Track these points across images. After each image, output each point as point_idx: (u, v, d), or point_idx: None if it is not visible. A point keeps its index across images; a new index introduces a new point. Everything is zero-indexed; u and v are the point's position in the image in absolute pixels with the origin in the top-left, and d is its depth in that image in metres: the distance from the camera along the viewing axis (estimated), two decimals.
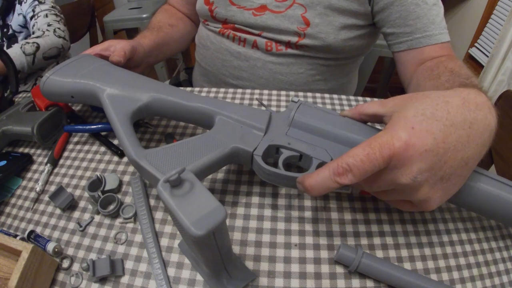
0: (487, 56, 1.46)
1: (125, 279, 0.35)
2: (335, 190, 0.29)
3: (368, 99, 0.58)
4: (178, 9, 0.81)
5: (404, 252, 0.37)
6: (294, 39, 0.61)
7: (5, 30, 0.98)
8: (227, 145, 0.36)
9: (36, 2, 0.98)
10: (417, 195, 0.29)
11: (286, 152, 0.36)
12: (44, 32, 0.94)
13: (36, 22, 0.97)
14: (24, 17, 0.99)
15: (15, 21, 0.98)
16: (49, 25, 0.97)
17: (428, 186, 0.28)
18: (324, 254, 0.36)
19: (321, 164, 0.34)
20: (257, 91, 0.59)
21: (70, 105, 0.58)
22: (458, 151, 0.27)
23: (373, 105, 0.35)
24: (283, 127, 0.38)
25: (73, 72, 0.46)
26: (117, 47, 0.53)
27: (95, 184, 0.42)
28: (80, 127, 0.51)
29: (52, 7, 1.02)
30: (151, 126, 0.52)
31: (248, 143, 0.36)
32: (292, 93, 0.59)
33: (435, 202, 0.30)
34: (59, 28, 0.98)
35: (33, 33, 0.97)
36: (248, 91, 0.59)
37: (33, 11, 0.98)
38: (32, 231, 0.39)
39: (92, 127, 0.50)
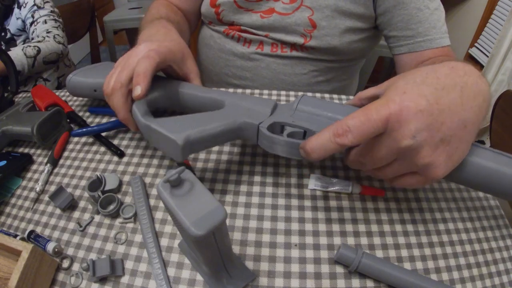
0: (487, 56, 1.46)
1: (125, 279, 0.35)
2: (338, 153, 0.29)
3: None
4: (177, 6, 0.75)
5: (404, 252, 0.37)
6: (300, 40, 0.61)
7: (2, 34, 0.98)
8: (236, 120, 0.38)
9: (35, 7, 0.98)
10: (420, 159, 0.28)
11: (290, 129, 0.37)
12: (44, 38, 0.94)
13: (36, 28, 0.97)
14: (23, 21, 0.99)
15: (13, 25, 0.98)
16: (48, 32, 0.96)
17: (429, 148, 0.28)
18: (324, 254, 0.36)
19: None
20: (257, 91, 0.59)
21: (70, 105, 0.59)
22: (454, 112, 0.28)
23: (370, 89, 0.37)
24: (288, 112, 0.40)
25: (96, 74, 0.52)
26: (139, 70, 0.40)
27: (95, 184, 0.42)
28: (89, 129, 0.50)
29: (51, 11, 1.01)
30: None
31: (255, 119, 0.38)
32: (292, 93, 0.59)
33: (440, 168, 0.29)
34: (58, 35, 0.98)
35: (32, 39, 0.97)
36: (249, 91, 0.59)
37: (33, 16, 0.97)
38: (32, 231, 0.39)
39: (101, 127, 0.50)
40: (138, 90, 0.38)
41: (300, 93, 0.58)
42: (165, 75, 0.50)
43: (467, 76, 0.29)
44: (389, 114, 0.27)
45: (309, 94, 0.58)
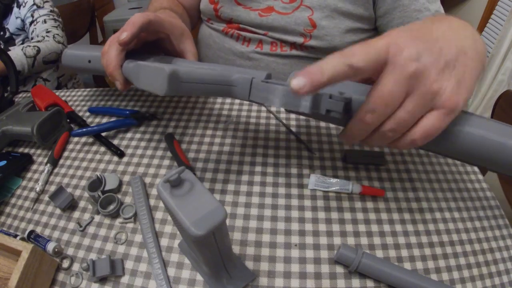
0: (487, 56, 1.46)
1: (125, 279, 0.35)
2: (344, 78, 0.28)
3: None
4: (178, 0, 0.75)
5: (404, 252, 0.37)
6: (300, 40, 0.61)
7: (1, 33, 0.97)
8: (230, 74, 0.36)
9: (35, 7, 0.98)
10: (430, 86, 0.27)
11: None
12: (44, 37, 0.94)
13: (35, 28, 0.96)
14: (23, 20, 0.98)
15: (13, 24, 0.98)
16: (47, 31, 0.96)
17: (436, 71, 0.28)
18: (324, 254, 0.36)
19: (319, 96, 0.32)
20: None
21: (70, 105, 0.59)
22: (449, 40, 0.29)
23: None
24: (283, 81, 0.38)
25: (91, 49, 0.54)
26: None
27: (95, 184, 0.42)
28: (89, 129, 0.51)
29: (51, 11, 1.01)
30: (158, 117, 0.53)
31: (249, 75, 0.36)
32: None
33: (454, 93, 0.28)
34: (57, 34, 0.98)
35: (32, 39, 0.97)
36: None
37: (32, 16, 0.97)
38: (32, 231, 0.39)
39: (101, 127, 0.50)
40: (123, 35, 0.40)
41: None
42: (164, 53, 0.50)
43: (449, 18, 0.32)
44: (388, 42, 0.28)
45: None
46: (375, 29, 0.63)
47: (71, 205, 0.42)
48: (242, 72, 0.38)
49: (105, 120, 0.56)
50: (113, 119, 0.55)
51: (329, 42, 0.60)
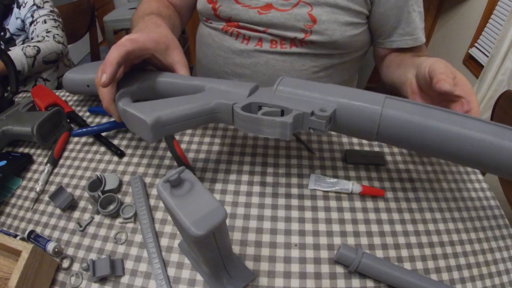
0: (487, 56, 1.46)
1: (125, 279, 0.35)
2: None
3: None
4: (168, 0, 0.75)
5: (404, 252, 0.37)
6: (300, 35, 0.61)
7: (2, 33, 0.97)
8: (210, 101, 0.38)
9: (35, 7, 0.98)
10: None
11: (267, 108, 0.37)
12: (44, 37, 0.94)
13: (35, 28, 0.96)
14: (23, 21, 0.98)
15: (13, 24, 0.98)
16: (48, 31, 0.96)
17: None
18: (324, 254, 0.36)
19: (300, 115, 0.35)
20: None
21: (70, 105, 0.58)
22: None
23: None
24: (268, 94, 0.39)
25: (89, 70, 0.55)
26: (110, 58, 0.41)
27: (95, 184, 0.42)
28: (89, 129, 0.51)
29: (51, 11, 1.01)
30: None
31: (230, 100, 0.38)
32: None
33: None
34: (57, 34, 0.98)
35: (32, 39, 0.97)
36: None
37: (32, 16, 0.97)
38: (32, 231, 0.39)
39: (101, 127, 0.50)
40: (103, 78, 0.39)
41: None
42: (154, 68, 0.50)
43: None
44: None
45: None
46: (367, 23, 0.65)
47: (71, 205, 0.42)
48: (224, 94, 0.39)
49: (105, 120, 0.56)
50: (113, 119, 0.55)
51: (329, 36, 0.60)
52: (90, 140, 0.52)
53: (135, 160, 0.48)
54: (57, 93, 0.60)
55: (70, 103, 0.60)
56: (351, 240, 0.38)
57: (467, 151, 0.31)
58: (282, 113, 0.36)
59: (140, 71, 0.46)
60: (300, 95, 0.37)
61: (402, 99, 0.35)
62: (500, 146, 0.30)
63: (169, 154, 0.48)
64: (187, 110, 0.36)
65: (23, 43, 0.99)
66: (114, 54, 0.40)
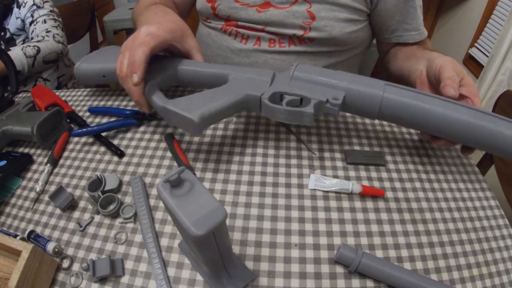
0: (487, 56, 1.46)
1: (125, 279, 0.35)
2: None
3: None
4: None
5: (404, 252, 0.37)
6: (299, 32, 0.61)
7: (2, 33, 0.97)
8: (240, 93, 0.42)
9: (35, 7, 0.98)
10: None
11: (288, 97, 0.42)
12: (44, 37, 0.94)
13: (35, 28, 0.96)
14: (23, 21, 0.98)
15: (13, 24, 0.98)
16: (47, 31, 0.96)
17: None
18: (324, 254, 0.36)
19: (317, 103, 0.40)
20: None
21: (70, 105, 0.58)
22: None
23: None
24: (286, 81, 0.44)
25: (103, 59, 0.55)
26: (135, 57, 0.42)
27: (95, 184, 0.42)
28: (89, 129, 0.51)
29: (51, 11, 1.01)
30: (158, 117, 0.54)
31: (257, 91, 0.42)
32: None
33: None
34: (57, 34, 0.98)
35: (32, 39, 0.97)
36: None
37: (32, 16, 0.97)
38: (32, 231, 0.39)
39: (101, 127, 0.50)
40: (135, 78, 0.42)
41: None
42: (169, 54, 0.52)
43: None
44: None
45: None
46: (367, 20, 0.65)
47: (71, 205, 0.42)
48: (250, 83, 0.44)
49: (105, 120, 0.56)
50: (113, 119, 0.55)
51: (328, 32, 0.60)
52: (90, 140, 0.52)
53: (135, 160, 0.48)
54: (57, 93, 0.60)
55: (70, 103, 0.60)
56: (351, 240, 0.38)
57: (447, 127, 0.39)
58: (301, 101, 0.42)
59: (159, 60, 0.49)
60: (313, 81, 0.43)
61: (397, 85, 0.41)
62: (474, 124, 0.38)
63: (169, 154, 0.48)
64: (223, 103, 0.41)
65: (23, 43, 0.99)
66: (140, 54, 0.42)
